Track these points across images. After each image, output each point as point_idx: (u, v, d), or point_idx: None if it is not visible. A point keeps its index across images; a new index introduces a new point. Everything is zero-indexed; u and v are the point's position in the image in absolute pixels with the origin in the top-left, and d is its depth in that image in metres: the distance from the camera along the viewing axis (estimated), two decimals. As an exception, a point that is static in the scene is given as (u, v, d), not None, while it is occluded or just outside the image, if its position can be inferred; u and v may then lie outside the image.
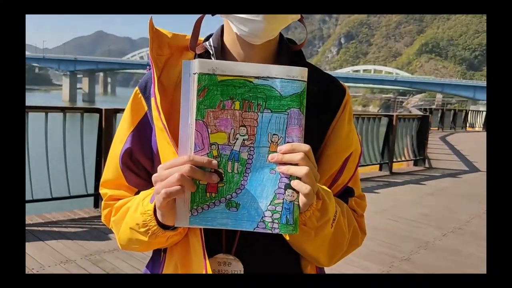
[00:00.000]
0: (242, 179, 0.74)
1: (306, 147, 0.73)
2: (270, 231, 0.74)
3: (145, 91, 0.90)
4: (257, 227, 0.74)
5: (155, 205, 0.76)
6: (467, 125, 19.86)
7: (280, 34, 0.92)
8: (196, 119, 0.72)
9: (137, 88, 0.92)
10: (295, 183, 0.72)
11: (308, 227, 0.80)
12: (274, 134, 0.73)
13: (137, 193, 0.89)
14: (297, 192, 0.73)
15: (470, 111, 21.98)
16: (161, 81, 0.87)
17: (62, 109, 4.58)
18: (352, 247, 0.93)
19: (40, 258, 3.41)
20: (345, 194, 0.95)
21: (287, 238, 0.84)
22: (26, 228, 4.00)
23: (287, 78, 0.73)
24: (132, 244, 0.86)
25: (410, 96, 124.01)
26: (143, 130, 0.89)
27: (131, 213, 0.83)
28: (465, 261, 3.95)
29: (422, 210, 5.57)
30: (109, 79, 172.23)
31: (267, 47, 0.89)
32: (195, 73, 0.72)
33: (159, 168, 0.74)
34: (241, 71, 0.72)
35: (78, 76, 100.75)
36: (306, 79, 0.74)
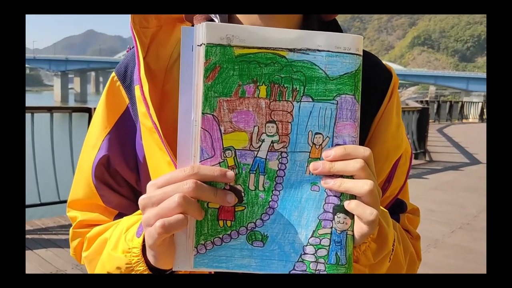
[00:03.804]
0: (270, 199, 0.51)
1: (366, 151, 0.50)
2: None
3: (125, 78, 0.67)
4: (294, 269, 0.52)
5: (143, 240, 0.53)
6: (463, 116, 19.73)
7: None
8: (203, 113, 0.49)
9: (113, 73, 0.68)
10: (352, 205, 0.50)
11: (361, 264, 0.58)
12: (317, 133, 0.51)
13: (118, 216, 0.66)
14: (351, 218, 0.51)
15: (465, 103, 21.85)
16: (147, 64, 0.63)
17: (49, 109, 4.33)
18: None
19: (28, 268, 3.18)
20: (395, 209, 0.73)
21: None
22: (14, 236, 3.77)
23: (336, 50, 0.50)
24: None
25: (404, 89, 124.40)
26: (123, 131, 0.66)
27: (109, 251, 0.60)
28: (477, 259, 3.79)
29: (427, 205, 5.40)
30: (101, 78, 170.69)
31: (290, 16, 0.66)
32: (200, 45, 0.49)
33: (149, 186, 0.51)
34: (269, 40, 0.50)
35: (70, 76, 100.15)
36: (361, 52, 0.51)
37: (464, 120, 19.68)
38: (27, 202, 4.26)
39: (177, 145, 0.51)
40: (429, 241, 4.14)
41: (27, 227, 4.03)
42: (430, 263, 3.60)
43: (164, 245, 0.49)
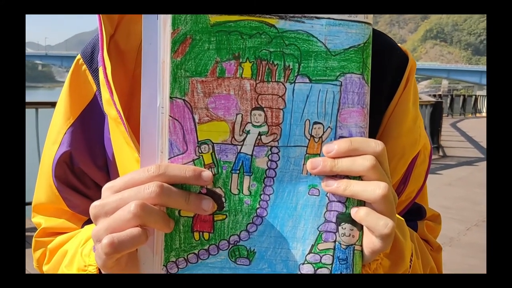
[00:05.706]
0: (258, 206, 0.41)
1: (378, 145, 0.40)
2: None
3: (92, 61, 0.57)
4: None
5: None
6: (476, 110, 19.48)
7: None
8: (171, 98, 0.39)
9: (79, 56, 0.59)
10: (361, 214, 0.40)
11: None
12: (316, 123, 0.41)
13: (88, 223, 0.57)
14: (360, 229, 0.41)
15: (479, 97, 21.53)
16: (116, 43, 0.54)
17: (53, 105, 4.27)
18: None
19: (28, 267, 3.13)
20: (412, 215, 0.63)
21: None
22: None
23: (340, 18, 0.40)
24: None
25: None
26: (90, 124, 0.57)
27: (64, 269, 0.51)
28: (493, 258, 3.67)
29: (442, 202, 5.29)
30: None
31: None
32: None
33: (104, 190, 0.41)
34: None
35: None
36: (371, 21, 0.41)
37: (477, 114, 19.42)
38: (27, 200, 4.25)
39: (140, 139, 0.41)
40: (444, 239, 4.03)
41: (31, 225, 4.01)
42: (445, 263, 3.45)
43: (119, 267, 0.39)
